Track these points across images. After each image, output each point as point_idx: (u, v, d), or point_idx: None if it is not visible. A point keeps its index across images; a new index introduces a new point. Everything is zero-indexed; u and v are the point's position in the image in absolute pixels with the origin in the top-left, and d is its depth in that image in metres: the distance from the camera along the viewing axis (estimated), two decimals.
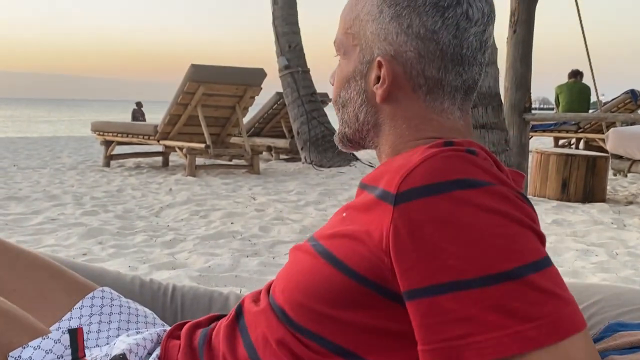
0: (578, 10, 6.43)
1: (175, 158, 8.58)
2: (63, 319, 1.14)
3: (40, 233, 3.84)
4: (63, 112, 58.26)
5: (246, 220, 4.35)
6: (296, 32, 8.45)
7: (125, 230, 3.98)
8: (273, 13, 8.38)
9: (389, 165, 0.81)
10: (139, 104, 20.07)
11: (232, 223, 4.24)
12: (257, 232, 3.95)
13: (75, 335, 0.92)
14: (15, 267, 1.18)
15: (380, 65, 0.85)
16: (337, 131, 0.96)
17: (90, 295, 1.19)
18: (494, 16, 0.86)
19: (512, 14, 5.51)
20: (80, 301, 1.17)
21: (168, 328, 1.11)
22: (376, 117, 0.89)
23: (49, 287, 1.18)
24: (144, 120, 18.32)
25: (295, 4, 8.45)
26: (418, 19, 0.82)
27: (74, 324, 1.14)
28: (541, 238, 0.71)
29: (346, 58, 0.90)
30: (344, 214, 0.85)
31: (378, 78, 0.86)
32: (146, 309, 1.27)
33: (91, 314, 1.16)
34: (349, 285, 0.76)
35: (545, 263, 0.68)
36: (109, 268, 2.93)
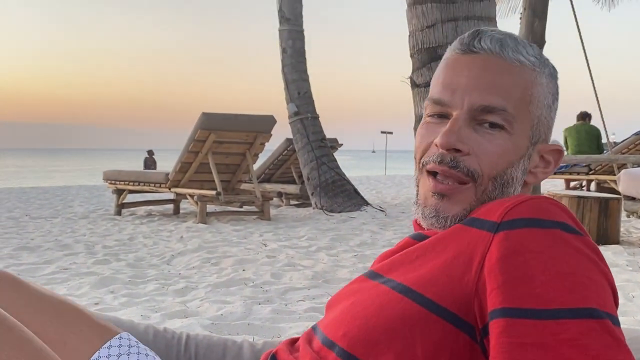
0: (585, 53, 6.50)
1: (186, 205, 8.61)
2: None
3: (52, 283, 3.83)
4: (74, 162, 58.90)
5: (257, 267, 4.34)
6: (305, 79, 8.58)
7: (137, 278, 3.97)
8: (282, 61, 8.53)
9: (477, 208, 0.87)
10: (150, 152, 20.41)
11: (243, 270, 4.22)
12: (269, 279, 3.92)
13: None
14: (41, 308, 1.18)
15: (550, 150, 0.94)
16: (457, 211, 0.88)
17: (107, 344, 1.18)
18: None
19: None
20: (97, 351, 1.16)
21: None
22: None
23: (71, 329, 1.17)
24: (155, 167, 18.59)
25: (304, 52, 8.60)
26: (555, 117, 0.96)
27: None
28: (616, 300, 0.76)
29: (514, 132, 0.88)
30: (415, 248, 0.87)
31: (543, 160, 0.94)
32: None
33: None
34: (428, 318, 0.77)
35: (618, 322, 0.71)
36: (123, 318, 2.92)
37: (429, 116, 0.93)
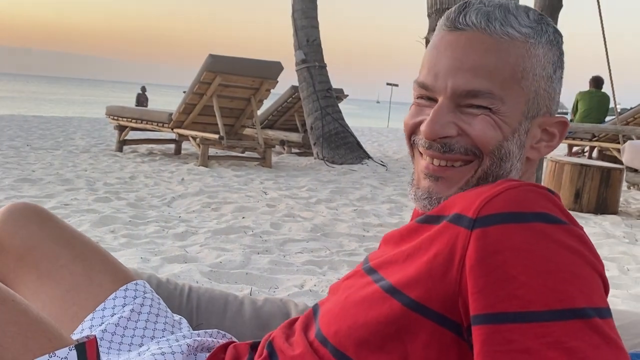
0: (600, 15, 6.37)
1: (187, 146, 8.60)
2: (97, 308, 1.18)
3: None
4: (75, 91, 58.57)
5: (257, 215, 4.36)
6: (315, 26, 8.43)
7: (138, 219, 3.99)
8: (293, 6, 8.37)
9: (461, 195, 0.81)
10: (143, 89, 20.61)
11: (243, 218, 4.25)
12: (268, 229, 3.95)
13: (84, 351, 0.84)
14: (70, 244, 1.23)
15: (554, 122, 0.90)
16: (451, 192, 0.87)
17: (124, 287, 1.22)
18: None
19: None
20: (114, 292, 1.20)
21: (196, 338, 1.12)
22: (519, 174, 0.90)
23: (96, 269, 1.22)
24: (147, 105, 18.92)
25: None
26: (560, 86, 0.90)
27: (108, 313, 1.17)
28: (606, 288, 0.72)
29: (503, 110, 0.84)
30: (406, 243, 0.85)
31: (546, 134, 0.90)
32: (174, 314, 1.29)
33: (124, 304, 1.20)
34: (414, 319, 0.76)
35: (608, 313, 0.68)
36: (123, 259, 2.94)
37: (417, 98, 0.92)
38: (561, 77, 0.89)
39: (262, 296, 1.74)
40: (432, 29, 3.82)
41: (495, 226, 0.71)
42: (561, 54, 0.89)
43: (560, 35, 0.89)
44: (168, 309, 1.29)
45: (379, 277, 0.84)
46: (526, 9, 0.88)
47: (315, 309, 0.97)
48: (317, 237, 3.79)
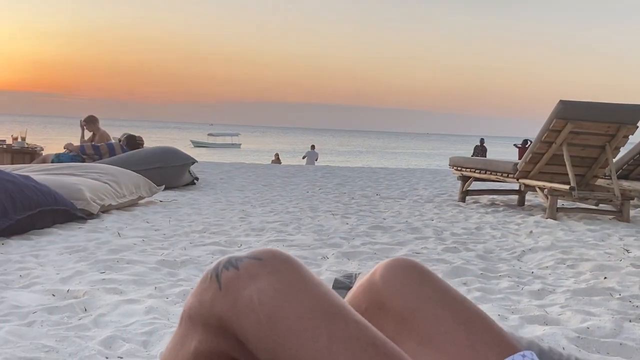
0: None
1: (530, 197, 8.25)
2: None
3: None
4: (414, 145, 62.13)
5: (622, 276, 3.85)
6: None
7: (489, 272, 3.85)
8: None
9: None
10: (481, 141, 20.63)
11: (605, 278, 3.79)
12: (638, 292, 3.44)
13: None
14: (453, 308, 1.13)
15: None
16: None
17: (510, 358, 1.08)
18: None
19: None
20: None
21: None
22: None
23: (482, 340, 1.10)
24: (485, 156, 18.87)
25: None
26: None
27: None
28: None
29: None
30: None
31: None
32: None
33: None
34: None
35: None
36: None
37: None
38: None
39: None
40: None
41: None
42: None
43: None
44: None
45: None
46: None
47: None
48: None
